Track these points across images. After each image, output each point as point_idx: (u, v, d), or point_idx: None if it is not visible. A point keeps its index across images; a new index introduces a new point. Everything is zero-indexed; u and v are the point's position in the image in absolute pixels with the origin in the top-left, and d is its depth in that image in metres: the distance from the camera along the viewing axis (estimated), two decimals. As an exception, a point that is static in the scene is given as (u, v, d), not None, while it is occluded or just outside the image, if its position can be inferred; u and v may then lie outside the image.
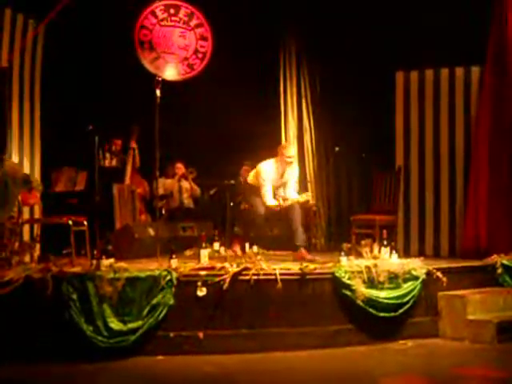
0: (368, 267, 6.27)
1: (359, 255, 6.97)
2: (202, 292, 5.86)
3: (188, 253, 7.77)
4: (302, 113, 9.87)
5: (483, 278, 6.92)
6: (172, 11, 9.67)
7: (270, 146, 9.58)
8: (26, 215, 7.34)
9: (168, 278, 5.81)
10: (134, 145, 8.86)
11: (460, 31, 7.86)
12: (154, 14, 9.55)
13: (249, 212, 7.79)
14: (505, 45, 7.63)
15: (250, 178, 7.71)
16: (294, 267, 6.22)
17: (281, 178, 7.46)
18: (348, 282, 6.14)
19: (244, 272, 6.00)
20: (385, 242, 6.85)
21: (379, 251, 6.88)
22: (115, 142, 8.92)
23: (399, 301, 6.26)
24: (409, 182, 8.54)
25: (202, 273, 5.96)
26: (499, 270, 6.94)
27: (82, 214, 6.97)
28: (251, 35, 9.55)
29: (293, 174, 7.56)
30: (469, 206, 7.92)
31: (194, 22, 9.78)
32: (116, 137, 8.95)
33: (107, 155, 8.80)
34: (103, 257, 6.00)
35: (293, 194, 7.48)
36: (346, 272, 6.18)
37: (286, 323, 6.01)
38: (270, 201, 7.35)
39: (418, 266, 6.45)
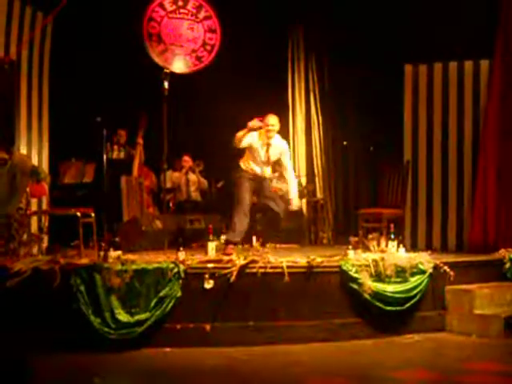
0: (375, 261, 6.27)
1: (366, 249, 6.97)
2: (209, 284, 5.87)
3: (195, 245, 7.80)
4: (310, 107, 9.87)
5: (491, 273, 6.90)
6: (180, 3, 9.69)
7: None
8: (34, 207, 7.37)
9: (175, 270, 5.82)
10: (140, 140, 8.86)
11: (469, 24, 7.82)
12: (162, 6, 9.57)
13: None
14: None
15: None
16: (301, 260, 6.21)
17: (265, 152, 7.06)
18: (355, 275, 6.14)
19: (251, 265, 6.01)
20: (392, 236, 6.83)
21: (386, 245, 6.88)
22: (120, 132, 8.91)
23: (406, 295, 6.25)
24: (417, 176, 8.52)
25: (210, 265, 5.97)
26: (507, 265, 6.92)
27: (89, 206, 6.99)
28: (260, 28, 9.55)
29: (279, 150, 7.15)
30: (477, 200, 7.90)
31: (202, 15, 9.79)
32: (122, 128, 8.94)
33: (115, 147, 8.81)
34: (111, 249, 6.02)
35: (291, 177, 7.27)
36: (353, 265, 6.17)
37: (292, 316, 6.01)
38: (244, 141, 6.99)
39: (425, 260, 6.44)
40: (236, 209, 6.95)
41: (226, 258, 6.14)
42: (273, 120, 7.02)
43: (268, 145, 7.04)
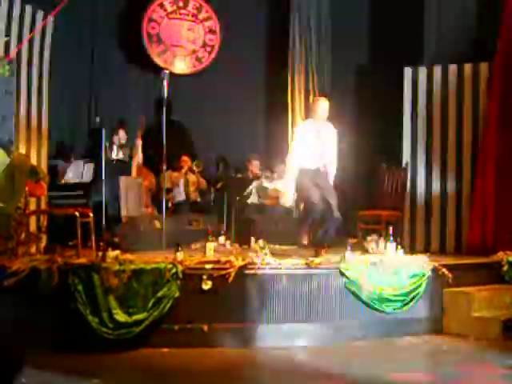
0: (374, 263, 6.27)
1: (365, 251, 6.98)
2: (207, 285, 5.86)
3: (194, 246, 7.79)
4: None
5: (489, 275, 6.91)
6: (180, 4, 9.70)
7: (277, 141, 9.65)
8: (32, 206, 7.36)
9: (173, 270, 5.81)
10: (139, 140, 8.85)
11: (469, 27, 7.84)
12: (162, 6, 9.57)
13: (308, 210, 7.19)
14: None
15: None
16: (300, 262, 6.21)
17: (318, 139, 6.91)
18: (353, 277, 6.14)
19: (249, 266, 6.00)
20: (391, 238, 6.84)
21: (385, 247, 6.87)
22: (120, 132, 8.91)
23: (404, 297, 6.26)
24: (415, 178, 8.51)
25: (208, 266, 5.96)
26: (505, 267, 6.92)
27: (88, 205, 6.98)
28: (260, 28, 9.56)
29: (330, 135, 7.03)
30: (475, 202, 7.91)
31: (202, 15, 9.80)
32: (122, 129, 8.95)
33: (114, 147, 8.80)
34: (109, 249, 6.02)
35: (330, 168, 7.07)
36: (351, 267, 6.18)
37: (291, 317, 6.01)
38: (296, 161, 6.86)
39: (423, 262, 6.45)
40: (310, 211, 6.88)
41: (224, 258, 6.13)
42: (322, 104, 6.94)
43: (318, 131, 6.93)
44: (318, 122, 6.97)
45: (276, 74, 9.87)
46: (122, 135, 8.95)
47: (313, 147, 6.92)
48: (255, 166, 9.53)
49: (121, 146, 8.88)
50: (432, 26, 8.24)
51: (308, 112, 9.25)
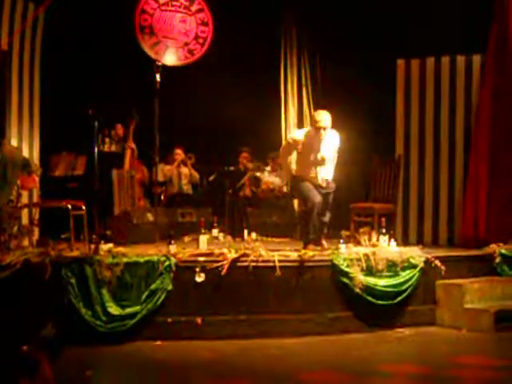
0: (366, 255, 6.28)
1: (358, 243, 6.98)
2: (200, 278, 5.87)
3: (187, 239, 7.79)
4: (303, 101, 9.85)
5: (481, 267, 6.93)
6: (173, -4, 9.64)
7: (270, 133, 9.64)
8: (24, 199, 7.33)
9: (167, 263, 5.81)
10: (131, 133, 8.83)
11: (461, 19, 7.83)
12: (154, -2, 9.51)
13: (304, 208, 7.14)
14: (507, 33, 7.59)
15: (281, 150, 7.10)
16: (293, 254, 6.21)
17: (315, 148, 6.75)
18: (346, 269, 6.15)
19: (242, 258, 6.01)
20: (383, 230, 6.85)
21: (378, 239, 6.89)
22: (117, 128, 8.89)
23: (397, 289, 6.28)
24: (408, 171, 8.52)
25: (201, 259, 5.97)
26: (497, 260, 6.94)
27: (80, 198, 6.96)
28: (252, 22, 9.51)
29: (330, 146, 6.83)
30: (468, 195, 7.91)
31: (194, 8, 9.75)
32: (116, 121, 8.91)
33: (107, 140, 8.76)
34: (102, 242, 6.01)
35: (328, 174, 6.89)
36: (344, 260, 6.19)
37: (284, 310, 6.02)
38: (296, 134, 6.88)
39: (416, 255, 6.47)
40: (308, 210, 6.75)
41: (217, 251, 6.12)
42: (319, 116, 6.74)
43: (320, 141, 6.76)
44: (315, 131, 6.75)
45: (268, 67, 9.84)
46: (119, 129, 8.92)
47: (313, 154, 6.78)
48: (246, 158, 9.52)
49: (113, 139, 8.85)
50: (425, 17, 8.21)
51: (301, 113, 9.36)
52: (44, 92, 8.39)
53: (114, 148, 8.86)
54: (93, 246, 5.98)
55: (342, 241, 6.55)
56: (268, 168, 9.46)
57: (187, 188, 9.59)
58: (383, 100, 8.79)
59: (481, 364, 5.19)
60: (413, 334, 6.14)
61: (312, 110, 9.82)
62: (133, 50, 9.37)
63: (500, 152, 7.71)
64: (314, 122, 6.80)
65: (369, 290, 6.16)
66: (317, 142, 6.76)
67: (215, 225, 8.06)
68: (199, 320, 5.84)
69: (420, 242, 7.99)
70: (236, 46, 9.48)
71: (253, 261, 6.00)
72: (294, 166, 7.11)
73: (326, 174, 6.85)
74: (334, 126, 6.87)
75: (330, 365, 5.16)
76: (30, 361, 2.29)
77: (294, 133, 6.81)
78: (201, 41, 9.78)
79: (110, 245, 6.08)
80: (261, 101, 9.55)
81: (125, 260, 5.78)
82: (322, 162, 6.77)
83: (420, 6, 8.17)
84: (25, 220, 7.37)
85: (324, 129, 6.68)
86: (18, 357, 2.28)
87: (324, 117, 6.70)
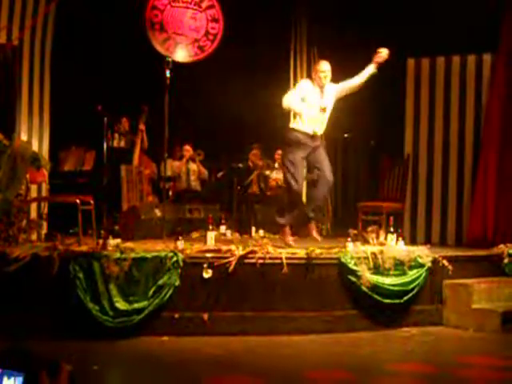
0: (374, 253, 6.27)
1: (365, 241, 6.97)
2: (207, 274, 5.87)
3: (194, 235, 7.80)
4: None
5: (489, 268, 6.91)
6: (183, -8, 9.63)
7: (279, 131, 9.62)
8: (33, 193, 7.36)
9: (174, 259, 5.82)
10: (142, 127, 8.84)
11: (472, 18, 7.79)
12: (165, -6, 9.51)
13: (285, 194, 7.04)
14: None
15: (284, 102, 6.61)
16: (300, 252, 6.21)
17: (321, 99, 6.65)
18: (354, 267, 6.15)
19: (250, 255, 6.01)
20: (391, 229, 6.84)
21: (385, 238, 6.88)
22: (123, 121, 8.90)
23: (404, 288, 6.26)
24: (417, 170, 8.52)
25: (208, 255, 5.98)
26: (506, 260, 6.92)
27: (89, 193, 6.98)
28: (263, 18, 9.50)
29: (331, 96, 6.75)
30: (476, 194, 7.90)
31: (205, 4, 9.74)
32: (124, 117, 8.93)
33: (116, 136, 8.78)
34: (110, 237, 6.02)
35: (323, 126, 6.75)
36: (351, 258, 6.18)
37: (290, 307, 6.02)
38: (298, 107, 6.54)
39: (424, 254, 6.45)
40: (291, 188, 6.62)
41: (225, 247, 6.13)
42: (324, 66, 6.70)
43: (322, 88, 6.68)
44: (319, 81, 6.68)
45: (278, 64, 9.82)
46: (125, 123, 8.93)
47: (314, 110, 6.66)
48: (256, 155, 9.52)
49: (123, 134, 8.86)
50: (435, 17, 8.19)
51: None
52: (54, 87, 8.41)
53: (122, 144, 8.88)
54: (101, 241, 5.98)
55: (349, 239, 6.54)
56: (276, 165, 9.45)
57: (195, 184, 9.60)
58: (393, 99, 8.77)
59: (487, 364, 5.18)
60: (419, 334, 6.13)
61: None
62: (143, 46, 9.38)
63: (510, 152, 7.68)
64: (318, 72, 6.68)
65: (376, 288, 6.15)
66: (317, 94, 6.69)
67: (223, 221, 8.07)
68: (206, 316, 5.84)
69: (428, 241, 7.99)
70: (246, 42, 9.47)
71: (260, 258, 6.00)
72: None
73: (320, 126, 6.75)
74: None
75: (337, 363, 5.16)
76: (52, 362, 2.28)
77: (290, 101, 6.55)
78: (211, 37, 9.77)
79: (118, 240, 6.09)
80: (270, 98, 9.54)
81: (132, 255, 5.78)
82: (323, 112, 6.71)
83: (431, 5, 8.15)
84: (33, 214, 7.39)
85: (327, 79, 6.65)
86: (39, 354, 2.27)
87: (329, 67, 6.68)
